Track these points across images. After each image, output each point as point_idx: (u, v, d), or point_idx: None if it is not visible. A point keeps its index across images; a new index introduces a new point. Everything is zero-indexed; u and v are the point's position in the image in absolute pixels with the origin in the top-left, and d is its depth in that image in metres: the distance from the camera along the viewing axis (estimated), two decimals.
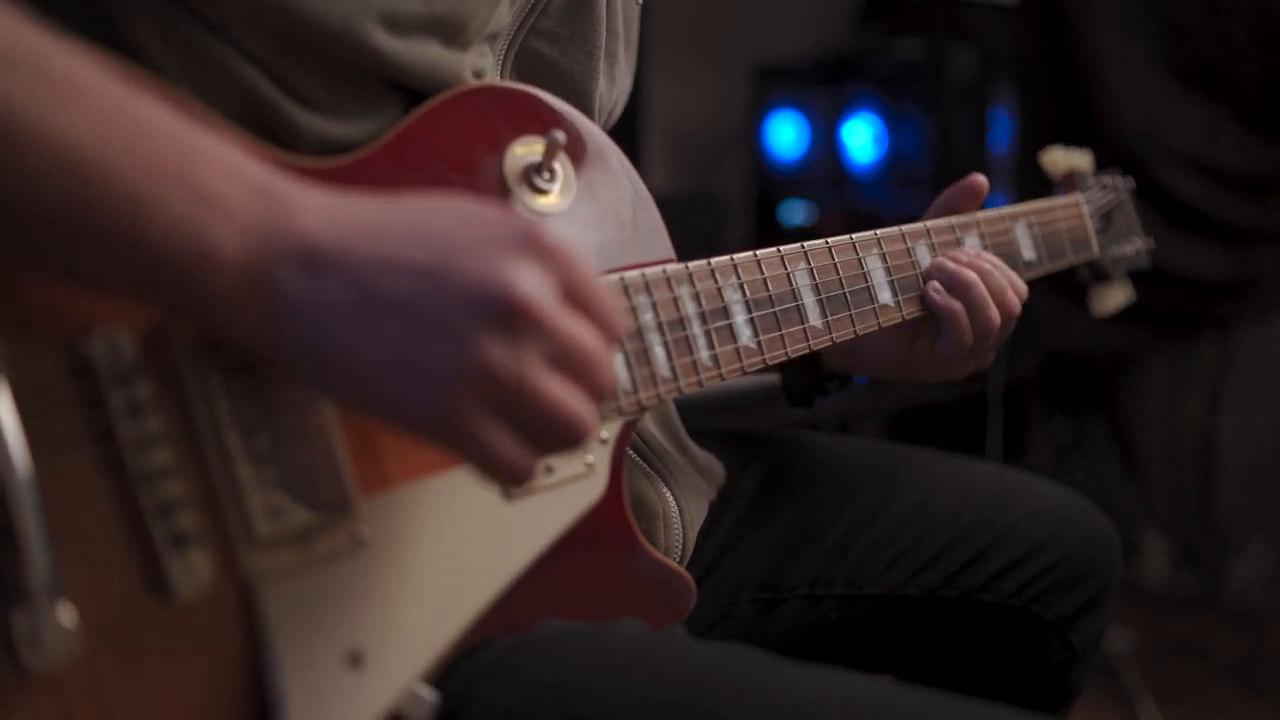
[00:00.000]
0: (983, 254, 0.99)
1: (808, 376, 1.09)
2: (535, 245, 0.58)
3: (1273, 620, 2.76)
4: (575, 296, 0.59)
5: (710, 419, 1.11)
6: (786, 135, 2.88)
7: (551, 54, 0.86)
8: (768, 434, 1.13)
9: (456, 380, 0.55)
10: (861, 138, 2.75)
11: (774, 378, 1.13)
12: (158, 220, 0.54)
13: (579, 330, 0.58)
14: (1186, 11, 2.75)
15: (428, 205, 0.60)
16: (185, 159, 0.55)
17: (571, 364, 0.58)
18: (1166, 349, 2.99)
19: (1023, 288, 1.00)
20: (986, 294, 0.96)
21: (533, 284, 0.56)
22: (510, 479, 0.59)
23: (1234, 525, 2.94)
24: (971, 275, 0.95)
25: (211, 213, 0.55)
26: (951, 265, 0.96)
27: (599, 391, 0.59)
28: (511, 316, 0.56)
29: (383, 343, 0.56)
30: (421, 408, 0.56)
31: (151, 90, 0.57)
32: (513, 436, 0.58)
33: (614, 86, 0.93)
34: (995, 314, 0.96)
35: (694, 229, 2.49)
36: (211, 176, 0.55)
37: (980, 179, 1.03)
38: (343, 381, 0.57)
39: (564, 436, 0.58)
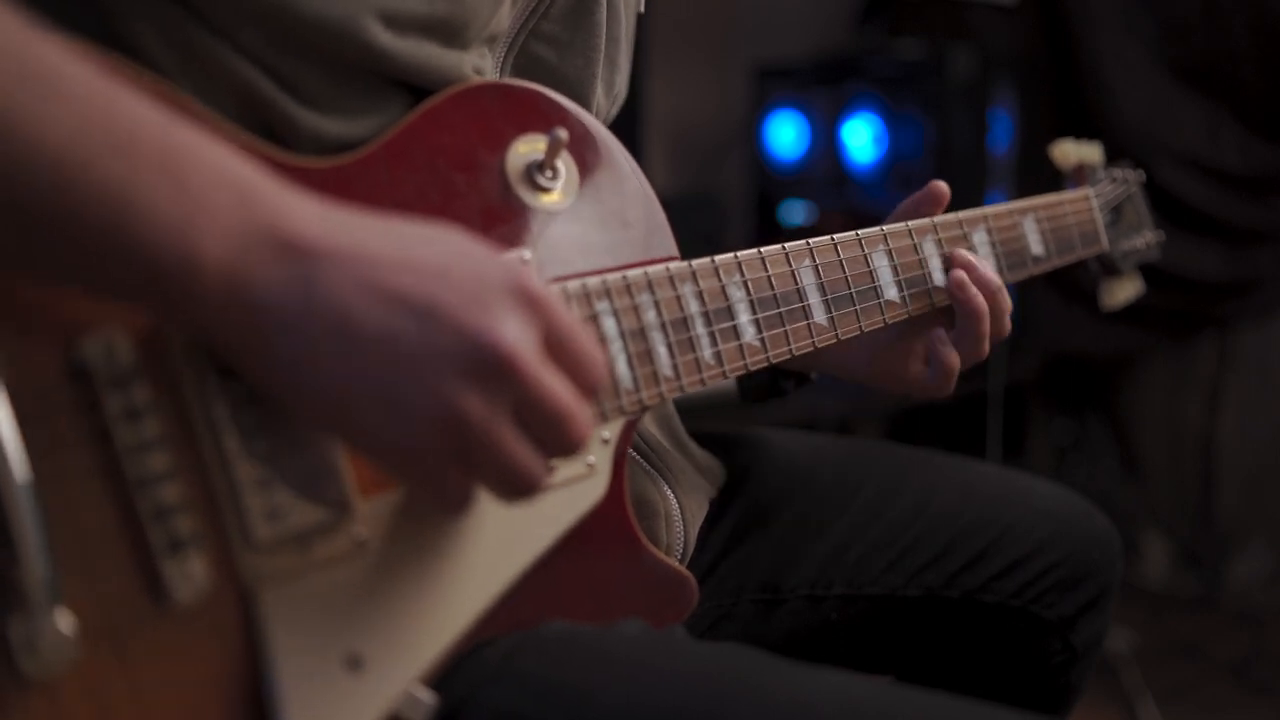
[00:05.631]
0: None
1: (763, 374, 1.07)
2: (522, 293, 0.59)
3: (1273, 620, 2.76)
4: (557, 345, 0.60)
5: (709, 419, 1.11)
6: (786, 135, 2.87)
7: (550, 58, 0.85)
8: (768, 435, 1.13)
9: (431, 424, 0.57)
10: (861, 138, 2.75)
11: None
12: (141, 220, 0.53)
13: (556, 387, 0.59)
14: (1186, 11, 2.75)
15: (420, 234, 0.60)
16: (170, 160, 0.54)
17: (542, 420, 0.59)
18: (1166, 349, 2.99)
19: (1011, 307, 0.98)
20: (1007, 303, 0.95)
21: (517, 337, 0.57)
22: (454, 513, 0.62)
23: (1234, 525, 2.94)
24: (998, 281, 0.95)
25: (196, 213, 0.54)
26: (980, 265, 0.95)
27: (566, 449, 0.61)
28: (493, 369, 0.57)
29: (364, 374, 0.57)
30: (391, 442, 0.58)
31: (139, 86, 0.56)
32: (468, 480, 0.60)
33: (611, 93, 0.92)
34: (1008, 324, 0.96)
35: (694, 229, 2.48)
36: (197, 178, 0.55)
37: (941, 185, 0.99)
38: (315, 402, 0.58)
39: (516, 489, 0.60)
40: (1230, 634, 2.72)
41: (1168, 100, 2.78)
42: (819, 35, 3.06)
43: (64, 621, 0.54)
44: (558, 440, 0.60)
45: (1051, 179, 1.22)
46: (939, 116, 2.63)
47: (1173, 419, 3.00)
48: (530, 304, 0.59)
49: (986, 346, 0.95)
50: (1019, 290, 1.01)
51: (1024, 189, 1.10)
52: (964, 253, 0.95)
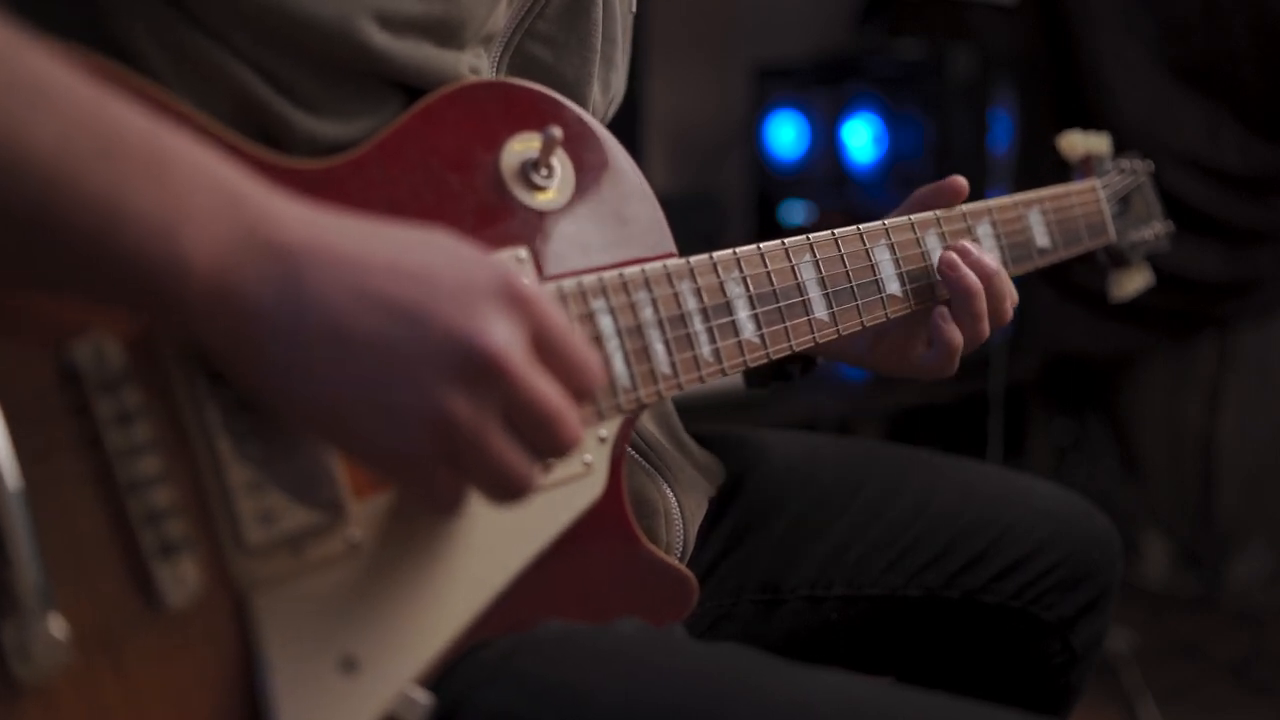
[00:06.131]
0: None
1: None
2: (510, 295, 0.59)
3: (1273, 620, 2.76)
4: (548, 347, 0.60)
5: (708, 418, 1.11)
6: (786, 135, 2.87)
7: (546, 58, 0.85)
8: (767, 435, 1.13)
9: (420, 426, 0.57)
10: (861, 138, 2.75)
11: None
12: (129, 225, 0.53)
13: (544, 389, 0.59)
14: (1186, 11, 2.75)
15: (408, 238, 0.61)
16: (157, 164, 0.55)
17: (531, 421, 0.59)
18: (1166, 349, 2.99)
19: (1016, 298, 0.98)
20: (1006, 287, 0.94)
21: (505, 338, 0.57)
22: (445, 515, 0.62)
23: (1234, 525, 2.93)
24: (994, 265, 0.93)
25: (183, 218, 0.54)
26: (975, 250, 0.93)
27: (556, 450, 0.60)
28: (481, 370, 0.57)
29: (353, 378, 0.57)
30: (382, 446, 0.58)
31: (129, 90, 0.56)
32: (459, 482, 0.60)
33: (608, 92, 0.92)
34: (1009, 309, 0.94)
35: (694, 229, 2.48)
36: (184, 182, 0.55)
37: (960, 180, 0.98)
38: (306, 407, 0.58)
39: (506, 491, 0.60)
40: (1230, 634, 2.71)
41: (1168, 100, 2.78)
42: (819, 35, 3.06)
43: (57, 626, 0.54)
44: (547, 442, 0.60)
45: (1051, 179, 1.21)
46: (939, 116, 2.63)
47: (1173, 419, 3.00)
48: (519, 305, 0.59)
49: (986, 326, 0.93)
50: (1019, 290, 1.00)
51: (1024, 189, 1.09)
52: (963, 242, 0.94)
